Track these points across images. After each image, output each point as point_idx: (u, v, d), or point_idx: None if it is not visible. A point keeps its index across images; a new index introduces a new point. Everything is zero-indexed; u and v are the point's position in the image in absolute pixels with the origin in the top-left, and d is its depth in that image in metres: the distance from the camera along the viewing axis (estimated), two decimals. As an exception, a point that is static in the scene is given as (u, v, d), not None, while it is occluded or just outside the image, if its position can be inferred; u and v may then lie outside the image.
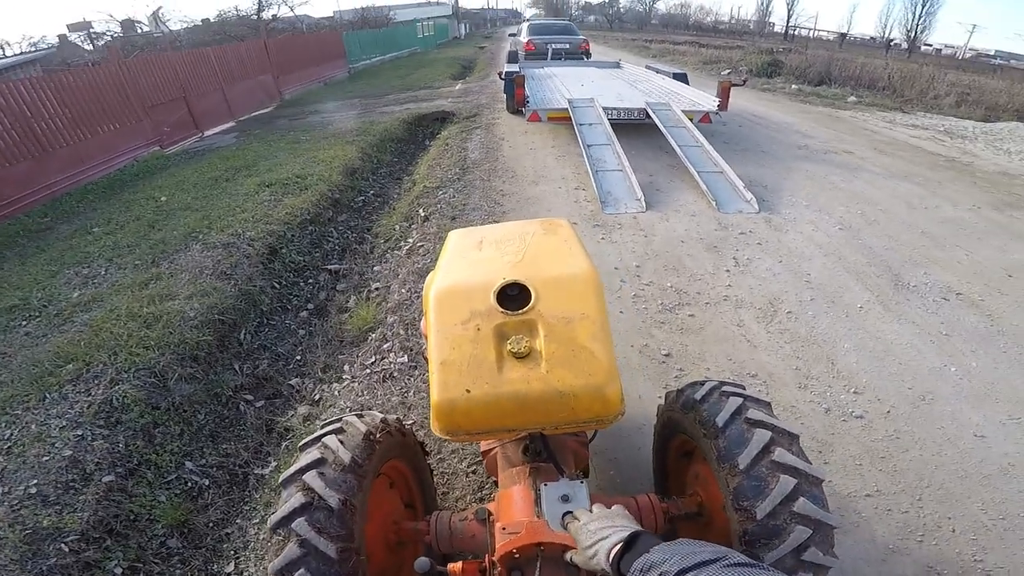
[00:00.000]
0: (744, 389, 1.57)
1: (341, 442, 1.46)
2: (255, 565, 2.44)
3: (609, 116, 7.33)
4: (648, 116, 7.39)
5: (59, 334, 3.80)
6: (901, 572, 2.05)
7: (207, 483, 3.01)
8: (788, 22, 54.14)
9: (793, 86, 14.59)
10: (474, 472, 2.55)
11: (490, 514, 1.55)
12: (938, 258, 4.43)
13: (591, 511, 1.13)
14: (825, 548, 1.27)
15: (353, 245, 5.80)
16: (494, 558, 1.32)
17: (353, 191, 7.11)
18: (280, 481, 1.41)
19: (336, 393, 3.34)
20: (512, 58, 11.75)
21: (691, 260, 4.41)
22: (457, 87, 15.12)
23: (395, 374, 3.32)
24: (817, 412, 2.83)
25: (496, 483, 1.78)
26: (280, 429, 3.31)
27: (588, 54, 15.83)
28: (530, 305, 1.39)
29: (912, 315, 3.66)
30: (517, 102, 8.08)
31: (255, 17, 28.54)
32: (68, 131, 7.75)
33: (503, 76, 9.42)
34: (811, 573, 1.24)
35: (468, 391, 1.29)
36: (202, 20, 29.62)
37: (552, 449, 1.61)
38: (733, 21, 67.52)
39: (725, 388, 1.55)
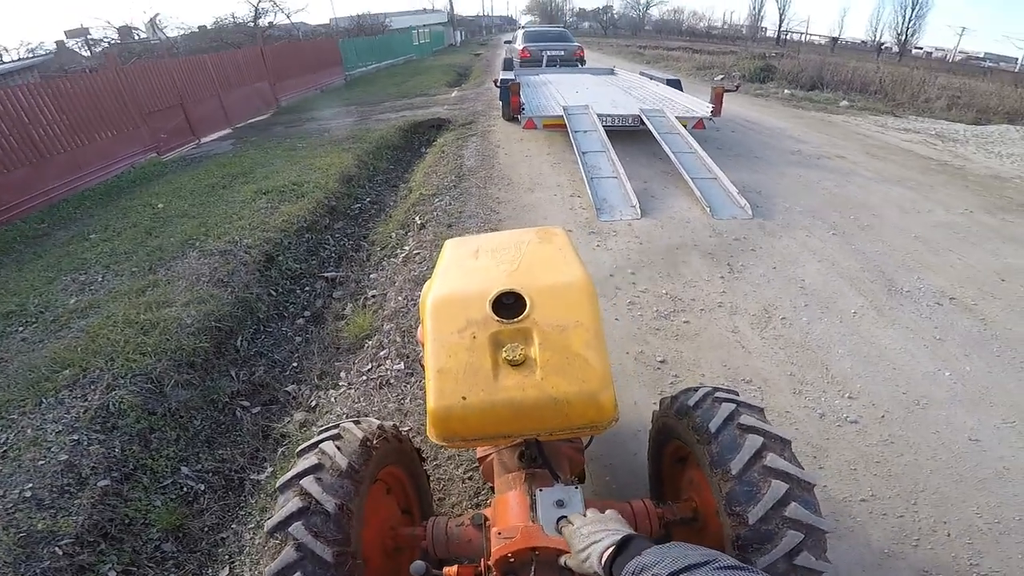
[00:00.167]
0: (737, 395, 1.59)
1: (338, 448, 1.47)
2: (250, 570, 2.44)
3: (604, 123, 7.38)
4: (642, 122, 7.43)
5: (56, 340, 3.80)
6: (896, 576, 2.06)
7: (203, 488, 3.01)
8: (780, 27, 54.68)
9: (786, 91, 14.70)
10: (470, 478, 2.56)
11: (486, 519, 1.56)
12: (931, 263, 4.47)
13: (584, 515, 1.15)
14: (818, 553, 1.28)
15: (350, 253, 5.81)
16: (490, 562, 1.33)
17: (349, 198, 7.13)
18: (277, 486, 1.42)
19: (333, 400, 3.34)
20: (507, 65, 11.82)
21: (686, 267, 4.44)
22: (453, 94, 15.19)
23: (391, 381, 3.33)
24: (812, 417, 2.84)
25: (492, 489, 1.79)
26: (276, 435, 3.31)
27: (583, 61, 15.93)
28: (525, 314, 1.41)
29: (906, 320, 3.68)
30: (513, 109, 8.11)
31: (251, 24, 28.58)
32: (66, 137, 7.76)
33: (499, 84, 9.47)
34: None
35: (464, 398, 1.31)
36: (199, 27, 29.66)
37: (547, 455, 1.63)
38: (726, 26, 68.02)
39: (718, 394, 1.57)
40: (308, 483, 1.36)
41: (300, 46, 18.84)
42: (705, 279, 4.24)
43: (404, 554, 1.73)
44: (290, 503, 1.33)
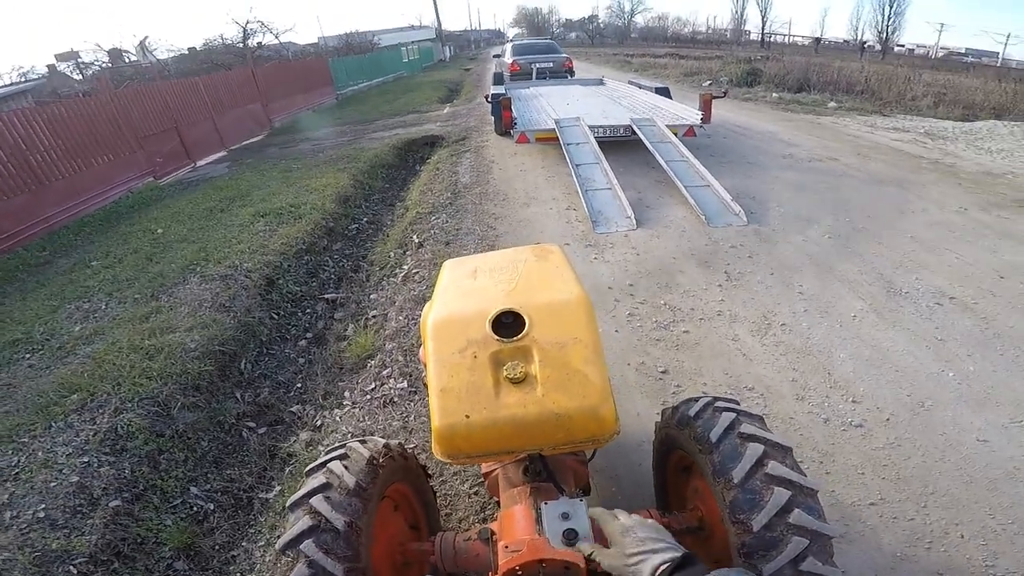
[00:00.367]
0: (738, 404, 1.60)
1: (345, 467, 1.50)
2: (261, 591, 2.45)
3: (595, 134, 7.43)
4: (634, 132, 7.48)
5: (62, 366, 3.85)
6: (910, 580, 2.04)
7: (212, 507, 3.04)
8: (763, 29, 55.08)
9: (774, 94, 14.81)
10: (476, 493, 2.57)
11: (493, 533, 1.58)
12: (929, 262, 4.48)
13: (617, 516, 1.15)
14: (824, 558, 1.28)
15: (349, 273, 5.84)
16: None
17: (347, 219, 7.18)
18: (287, 505, 1.45)
19: (337, 419, 3.36)
20: (498, 80, 11.93)
21: (683, 276, 4.46)
22: (445, 110, 15.31)
23: (395, 399, 3.35)
24: (816, 423, 2.84)
25: (498, 503, 1.80)
26: (283, 455, 3.33)
27: (572, 72, 16.07)
28: (524, 332, 1.43)
29: (906, 321, 3.68)
30: (505, 124, 8.16)
31: (241, 45, 28.83)
32: (63, 163, 7.80)
33: (490, 99, 9.54)
34: None
35: (467, 416, 1.33)
36: (188, 49, 29.89)
37: (551, 469, 1.65)
38: (710, 31, 68.74)
39: (718, 404, 1.59)
40: (317, 502, 1.38)
41: (291, 66, 19.02)
42: (703, 288, 4.26)
43: (413, 569, 1.74)
44: (300, 521, 1.36)
